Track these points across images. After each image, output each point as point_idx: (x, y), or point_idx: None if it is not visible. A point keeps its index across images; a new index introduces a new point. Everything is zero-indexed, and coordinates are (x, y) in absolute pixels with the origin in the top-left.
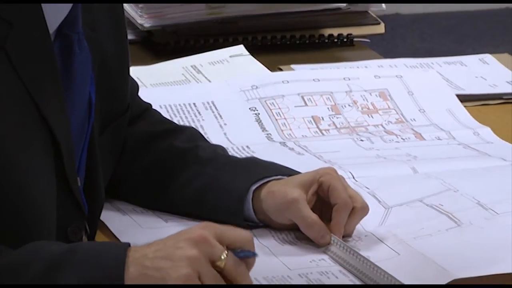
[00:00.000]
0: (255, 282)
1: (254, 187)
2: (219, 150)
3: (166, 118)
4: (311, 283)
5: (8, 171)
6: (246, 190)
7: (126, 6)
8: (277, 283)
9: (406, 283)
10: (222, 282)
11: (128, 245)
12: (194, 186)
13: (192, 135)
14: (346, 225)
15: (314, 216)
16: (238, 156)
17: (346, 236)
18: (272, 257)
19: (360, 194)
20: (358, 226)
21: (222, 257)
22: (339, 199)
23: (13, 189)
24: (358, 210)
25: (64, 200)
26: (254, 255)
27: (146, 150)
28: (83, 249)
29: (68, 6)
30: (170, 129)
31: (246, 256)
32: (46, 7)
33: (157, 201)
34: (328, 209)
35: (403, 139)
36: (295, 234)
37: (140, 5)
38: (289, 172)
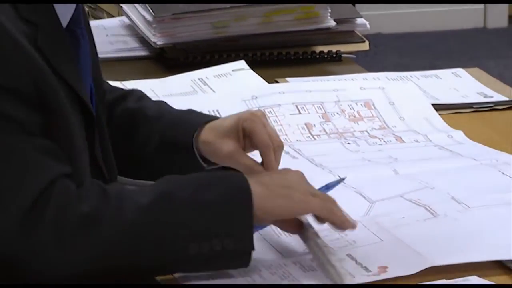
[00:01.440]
0: (255, 269)
1: (194, 135)
2: (163, 106)
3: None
4: (305, 269)
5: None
6: (190, 139)
7: (140, 25)
8: (275, 270)
9: (388, 266)
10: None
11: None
12: (148, 137)
13: (139, 96)
14: (274, 160)
15: (251, 163)
16: None
17: None
18: (271, 247)
19: (276, 134)
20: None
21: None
22: (259, 142)
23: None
24: (277, 148)
25: (92, 169)
26: (339, 181)
27: (110, 118)
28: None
29: (73, 5)
30: (123, 94)
31: (331, 187)
32: (57, 7)
33: (131, 170)
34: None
35: (385, 142)
36: None
37: (154, 25)
38: (213, 118)
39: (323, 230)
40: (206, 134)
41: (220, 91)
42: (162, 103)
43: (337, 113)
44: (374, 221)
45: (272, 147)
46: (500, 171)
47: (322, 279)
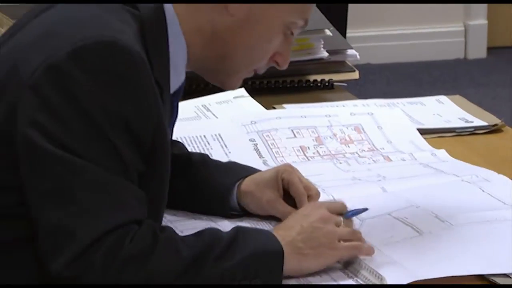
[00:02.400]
0: None
1: (237, 185)
2: (206, 156)
3: None
4: (300, 282)
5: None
6: (232, 186)
7: None
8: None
9: (377, 282)
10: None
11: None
12: (188, 184)
13: (183, 147)
14: None
15: (288, 210)
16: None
17: None
18: None
19: (312, 184)
20: None
21: (342, 222)
22: (296, 192)
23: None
24: (313, 196)
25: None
26: (363, 210)
27: None
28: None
29: (182, 79)
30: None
31: (356, 213)
32: (172, 78)
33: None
34: (290, 197)
35: (374, 161)
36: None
37: None
38: (252, 171)
39: None
40: (247, 185)
41: (222, 116)
42: (205, 154)
43: (330, 137)
44: (366, 240)
45: (310, 195)
46: (480, 188)
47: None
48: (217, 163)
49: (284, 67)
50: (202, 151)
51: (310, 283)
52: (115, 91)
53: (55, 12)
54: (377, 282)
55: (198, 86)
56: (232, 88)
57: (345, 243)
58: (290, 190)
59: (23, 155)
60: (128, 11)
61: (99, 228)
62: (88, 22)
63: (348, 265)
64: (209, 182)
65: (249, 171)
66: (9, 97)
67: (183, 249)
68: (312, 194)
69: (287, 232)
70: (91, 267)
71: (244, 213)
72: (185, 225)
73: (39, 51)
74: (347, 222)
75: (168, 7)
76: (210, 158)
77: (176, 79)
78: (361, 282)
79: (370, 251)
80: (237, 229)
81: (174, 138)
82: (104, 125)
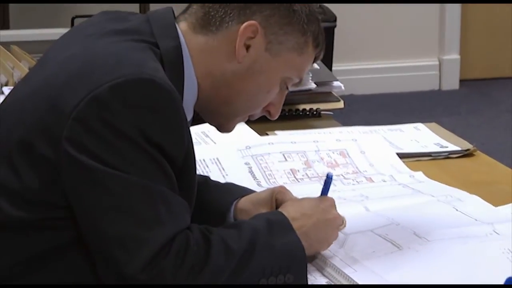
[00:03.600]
0: None
1: (234, 203)
2: (207, 178)
3: None
4: None
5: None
6: (230, 205)
7: None
8: None
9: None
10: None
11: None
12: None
13: None
14: None
15: None
16: None
17: None
18: None
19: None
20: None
21: (343, 223)
22: None
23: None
24: None
25: None
26: (330, 179)
27: None
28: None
29: (190, 117)
30: None
31: (327, 188)
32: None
33: None
34: None
35: (358, 182)
36: None
37: None
38: (248, 191)
39: None
40: (244, 204)
41: (220, 142)
42: (207, 177)
43: (317, 161)
44: (349, 255)
45: None
46: (454, 207)
47: None
48: (217, 183)
49: (275, 117)
50: (202, 173)
51: None
52: (153, 122)
53: (84, 49)
54: (344, 282)
55: (198, 115)
56: (228, 131)
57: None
58: None
59: (75, 177)
60: (151, 49)
61: (164, 235)
62: (125, 59)
63: (313, 259)
64: (210, 201)
65: (245, 191)
66: (48, 130)
67: (232, 245)
68: None
69: (304, 221)
70: (163, 270)
71: None
72: None
73: (80, 86)
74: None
75: (185, 48)
76: (211, 180)
77: (187, 115)
78: (330, 281)
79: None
80: (267, 220)
81: None
82: (147, 148)
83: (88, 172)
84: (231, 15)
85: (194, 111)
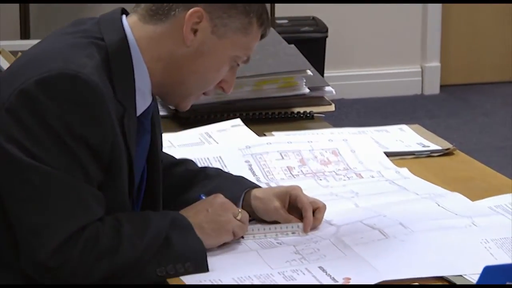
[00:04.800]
0: (248, 278)
1: (244, 192)
2: (220, 170)
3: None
4: (286, 279)
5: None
6: (240, 194)
7: None
8: (264, 279)
9: (351, 277)
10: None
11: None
12: (204, 192)
13: (195, 163)
14: (314, 220)
15: (290, 217)
16: None
17: (314, 228)
18: (262, 260)
19: (318, 200)
20: (319, 233)
21: (239, 213)
22: (303, 204)
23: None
24: (321, 208)
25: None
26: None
27: (170, 174)
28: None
29: (149, 102)
30: (183, 160)
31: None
32: (138, 99)
33: (177, 206)
34: (294, 211)
35: (348, 178)
36: (274, 239)
37: None
38: (259, 186)
39: (300, 243)
40: (260, 192)
41: (221, 142)
42: (219, 169)
43: (311, 159)
44: (340, 239)
45: (318, 207)
46: (436, 203)
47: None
48: (229, 175)
49: (229, 92)
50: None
51: None
52: (76, 115)
53: (34, 48)
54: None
55: (201, 117)
56: (185, 108)
57: (237, 226)
58: (297, 203)
59: (1, 166)
60: (94, 43)
61: (74, 225)
62: (56, 55)
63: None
64: (222, 190)
65: (254, 185)
66: None
67: (137, 242)
68: (319, 206)
69: (196, 215)
70: (71, 257)
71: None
72: None
73: (14, 79)
74: (243, 213)
75: (131, 38)
76: (224, 172)
77: (143, 102)
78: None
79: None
80: (171, 220)
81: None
82: (68, 141)
83: (12, 161)
84: (177, 3)
85: (195, 110)
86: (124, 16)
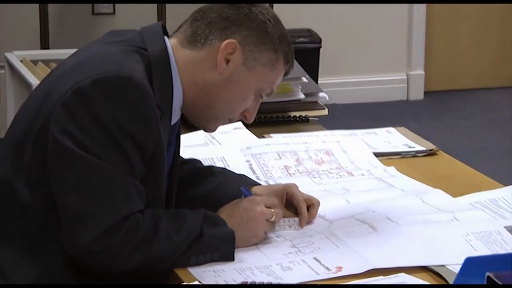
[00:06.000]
0: (248, 268)
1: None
2: (224, 169)
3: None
4: (284, 269)
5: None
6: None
7: None
8: (263, 269)
9: (342, 266)
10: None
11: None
12: (209, 187)
13: (200, 162)
14: (309, 215)
15: (288, 213)
16: None
17: (309, 223)
18: (258, 251)
19: (313, 197)
20: (313, 228)
21: (273, 215)
22: (298, 201)
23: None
24: (315, 204)
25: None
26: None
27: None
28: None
29: (178, 118)
30: (191, 159)
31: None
32: (174, 109)
33: (185, 200)
34: (291, 207)
35: (340, 176)
36: (273, 234)
37: None
38: (257, 183)
39: (296, 238)
40: (260, 190)
41: (224, 143)
42: (225, 168)
43: (307, 159)
44: (333, 233)
45: (312, 203)
46: (420, 199)
47: (296, 275)
48: (232, 173)
49: (250, 121)
50: None
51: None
52: (126, 114)
53: (85, 50)
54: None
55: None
56: (211, 131)
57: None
58: (292, 200)
59: (54, 155)
60: (138, 52)
61: (117, 215)
62: (109, 59)
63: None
64: (226, 187)
65: (255, 182)
66: (44, 114)
67: (174, 236)
68: (314, 202)
69: (230, 220)
70: (112, 244)
71: None
72: None
73: (70, 78)
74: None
75: (172, 56)
76: (228, 170)
77: (174, 116)
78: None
79: None
80: (203, 216)
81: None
82: (117, 136)
83: (64, 151)
84: (214, 33)
85: (182, 114)
86: (165, 37)
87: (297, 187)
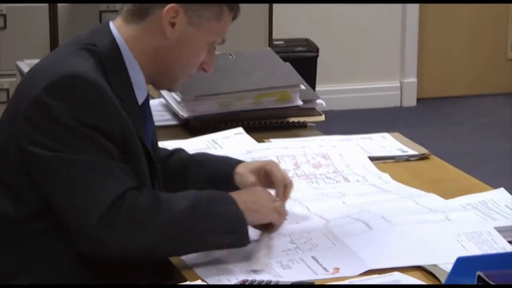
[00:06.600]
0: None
1: (233, 171)
2: (206, 154)
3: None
4: (283, 267)
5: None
6: (233, 170)
7: (172, 104)
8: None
9: (340, 268)
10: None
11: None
12: (200, 174)
13: (186, 152)
14: (285, 194)
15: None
16: None
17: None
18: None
19: (288, 176)
20: (311, 225)
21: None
22: (275, 179)
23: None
24: (287, 185)
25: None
26: None
27: (165, 168)
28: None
29: (146, 92)
30: (175, 150)
31: None
32: (136, 91)
33: (177, 187)
34: (269, 184)
35: (337, 181)
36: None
37: (181, 103)
38: (243, 161)
39: (295, 233)
40: (240, 168)
41: (226, 148)
42: (205, 152)
43: (304, 162)
44: (330, 231)
45: (285, 184)
46: (414, 201)
47: (295, 274)
48: (216, 157)
49: (209, 71)
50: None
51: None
52: (82, 108)
53: (40, 61)
54: (257, 263)
55: (208, 126)
56: (175, 90)
57: (279, 206)
58: (270, 177)
59: (32, 167)
60: (86, 49)
61: (110, 196)
62: (55, 63)
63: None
64: (216, 174)
65: (237, 162)
66: (14, 131)
67: (178, 205)
68: (287, 183)
69: (239, 195)
70: (116, 223)
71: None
72: None
73: (26, 92)
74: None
75: (119, 39)
76: (210, 154)
77: (141, 93)
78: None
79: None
80: (211, 193)
81: None
82: (80, 129)
83: (38, 159)
84: (154, 2)
85: (203, 121)
86: (110, 22)
87: (275, 164)
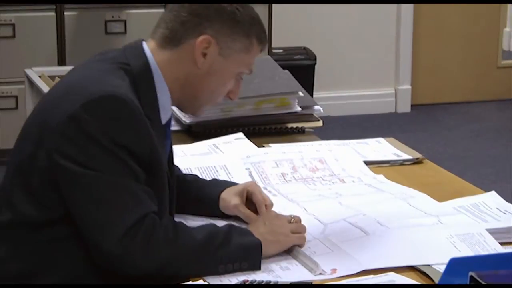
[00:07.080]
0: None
1: (218, 196)
2: (197, 177)
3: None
4: (283, 268)
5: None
6: (217, 196)
7: (175, 109)
8: (262, 269)
9: (337, 268)
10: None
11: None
12: (187, 194)
13: (179, 170)
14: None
15: (248, 212)
16: None
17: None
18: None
19: (268, 197)
20: (309, 232)
21: (292, 219)
22: (256, 200)
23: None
24: (268, 206)
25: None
26: None
27: None
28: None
29: (170, 113)
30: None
31: None
32: (161, 111)
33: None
34: (252, 205)
35: (333, 183)
36: None
37: None
38: (230, 184)
39: None
40: (224, 193)
41: (226, 152)
42: (196, 175)
43: (302, 166)
44: (327, 238)
45: (267, 204)
46: (408, 203)
47: (293, 275)
48: (205, 181)
49: (235, 99)
50: (213, 177)
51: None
52: (117, 128)
53: (72, 74)
54: (313, 266)
55: (210, 131)
56: (200, 115)
57: (294, 234)
58: (252, 199)
59: (62, 180)
60: (122, 68)
61: (131, 218)
62: (93, 80)
63: (290, 251)
64: (205, 193)
65: (227, 184)
66: (47, 144)
67: (196, 234)
68: (267, 203)
69: (257, 229)
70: (134, 246)
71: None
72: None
73: (62, 107)
74: (296, 220)
75: (152, 62)
76: (200, 178)
77: (165, 114)
78: (300, 265)
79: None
80: (230, 225)
81: (192, 168)
82: (112, 149)
83: (68, 173)
84: (189, 31)
85: (204, 126)
86: (144, 43)
87: (256, 185)
